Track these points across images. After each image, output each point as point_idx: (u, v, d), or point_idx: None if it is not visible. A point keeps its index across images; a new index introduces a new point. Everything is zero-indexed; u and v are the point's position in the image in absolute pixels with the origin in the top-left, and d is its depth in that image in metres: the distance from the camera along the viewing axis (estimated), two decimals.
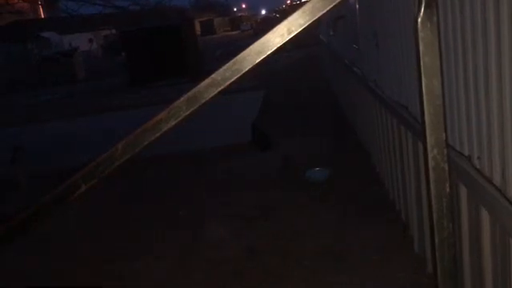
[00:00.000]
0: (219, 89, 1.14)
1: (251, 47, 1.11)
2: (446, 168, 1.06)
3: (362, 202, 4.71)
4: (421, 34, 1.03)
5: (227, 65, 1.14)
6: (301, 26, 1.06)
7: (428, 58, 1.04)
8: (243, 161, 6.77)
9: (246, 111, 9.97)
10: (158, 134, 1.18)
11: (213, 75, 1.15)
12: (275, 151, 7.00)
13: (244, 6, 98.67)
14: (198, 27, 47.14)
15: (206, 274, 3.85)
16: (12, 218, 1.36)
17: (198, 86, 1.15)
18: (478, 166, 2.17)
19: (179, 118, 1.16)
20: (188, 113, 1.16)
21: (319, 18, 1.04)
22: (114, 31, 41.00)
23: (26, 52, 27.49)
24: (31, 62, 25.71)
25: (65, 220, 4.44)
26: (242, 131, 7.88)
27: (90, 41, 44.51)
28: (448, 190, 1.07)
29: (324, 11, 1.04)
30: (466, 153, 2.30)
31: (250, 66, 1.12)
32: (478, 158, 2.16)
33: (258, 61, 1.11)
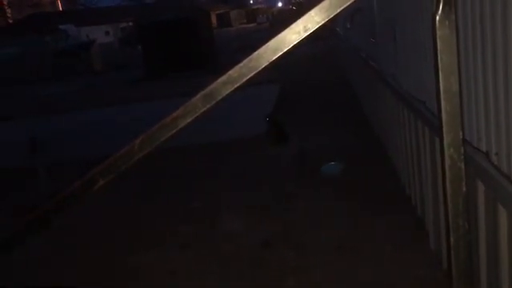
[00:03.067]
0: (235, 86, 1.14)
1: (267, 44, 1.11)
2: (463, 167, 1.05)
3: (377, 197, 4.69)
4: (438, 32, 1.02)
5: (243, 62, 1.14)
6: (317, 23, 1.06)
7: (445, 56, 1.03)
8: (258, 154, 6.78)
9: (262, 104, 9.96)
10: (174, 130, 1.19)
11: (229, 72, 1.15)
12: (290, 144, 6.99)
13: None
14: (214, 20, 47.11)
15: (222, 265, 3.88)
16: (31, 211, 1.38)
17: (214, 83, 1.15)
18: (495, 163, 2.14)
19: (195, 115, 1.17)
20: (204, 109, 1.17)
21: (336, 15, 1.04)
22: (130, 24, 41.16)
23: (43, 44, 27.77)
24: (48, 54, 25.96)
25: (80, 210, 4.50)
26: (257, 124, 7.87)
27: (107, 33, 44.75)
28: (464, 188, 1.06)
29: (341, 8, 1.03)
30: (484, 149, 2.28)
31: (266, 63, 1.12)
32: (496, 154, 2.14)
33: (274, 58, 1.11)
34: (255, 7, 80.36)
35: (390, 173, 5.19)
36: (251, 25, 59.64)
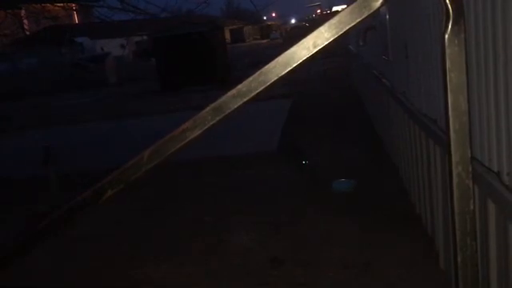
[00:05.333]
0: (244, 99, 1.15)
1: (277, 59, 1.12)
2: (471, 185, 1.05)
3: (387, 215, 4.65)
4: (448, 50, 1.02)
5: (253, 76, 1.15)
6: (327, 39, 1.06)
7: (454, 74, 1.03)
8: (269, 169, 6.77)
9: (273, 119, 10.00)
10: (183, 143, 1.20)
11: (239, 86, 1.16)
12: (301, 160, 6.98)
13: (274, 14, 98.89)
14: (228, 35, 47.52)
15: (230, 279, 3.86)
16: (40, 220, 1.40)
17: (224, 96, 1.17)
18: (507, 183, 2.12)
19: (204, 128, 1.18)
20: (213, 122, 1.18)
21: (345, 32, 1.05)
22: (145, 37, 41.58)
23: (59, 56, 28.23)
24: (64, 65, 26.37)
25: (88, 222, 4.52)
26: (268, 140, 7.89)
27: (122, 46, 45.25)
28: (472, 207, 1.05)
29: (350, 26, 1.04)
30: (496, 169, 2.26)
31: (276, 78, 1.13)
32: (508, 174, 2.12)
33: (283, 73, 1.12)
34: (269, 23, 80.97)
35: (400, 190, 5.15)
36: (264, 41, 60.06)
